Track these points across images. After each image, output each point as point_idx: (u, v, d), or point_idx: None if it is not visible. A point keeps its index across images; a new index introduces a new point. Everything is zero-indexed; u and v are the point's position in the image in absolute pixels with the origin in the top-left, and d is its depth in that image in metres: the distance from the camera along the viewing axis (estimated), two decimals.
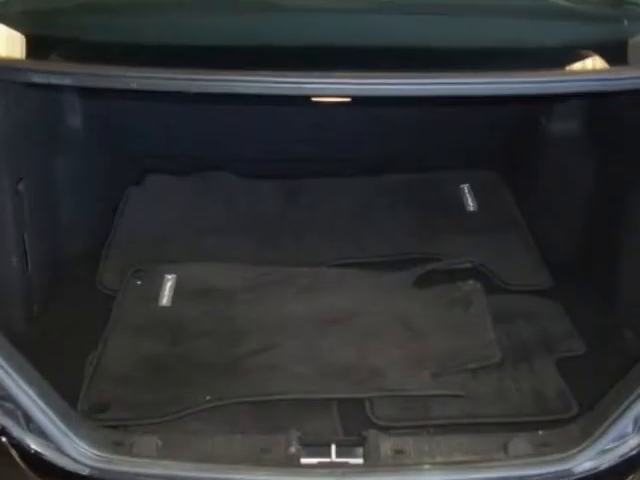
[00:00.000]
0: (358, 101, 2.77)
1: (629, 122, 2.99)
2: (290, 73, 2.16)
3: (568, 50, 2.54)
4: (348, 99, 3.06)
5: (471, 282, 3.20)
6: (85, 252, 3.34)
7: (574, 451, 2.12)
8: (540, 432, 2.24)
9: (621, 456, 2.14)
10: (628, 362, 2.29)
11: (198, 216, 3.66)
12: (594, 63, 2.42)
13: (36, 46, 2.50)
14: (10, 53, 2.50)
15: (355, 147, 3.94)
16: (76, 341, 2.86)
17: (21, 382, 2.08)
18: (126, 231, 3.56)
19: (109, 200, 3.68)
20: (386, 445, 2.19)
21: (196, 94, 2.25)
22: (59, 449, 2.11)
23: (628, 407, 2.10)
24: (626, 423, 2.12)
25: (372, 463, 2.16)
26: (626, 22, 2.89)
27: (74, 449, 2.10)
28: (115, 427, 2.44)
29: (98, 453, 2.12)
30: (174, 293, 3.16)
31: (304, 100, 2.78)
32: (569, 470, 2.12)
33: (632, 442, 2.14)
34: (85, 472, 2.11)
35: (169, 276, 3.23)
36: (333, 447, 2.21)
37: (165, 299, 3.13)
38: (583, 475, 2.13)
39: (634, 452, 2.14)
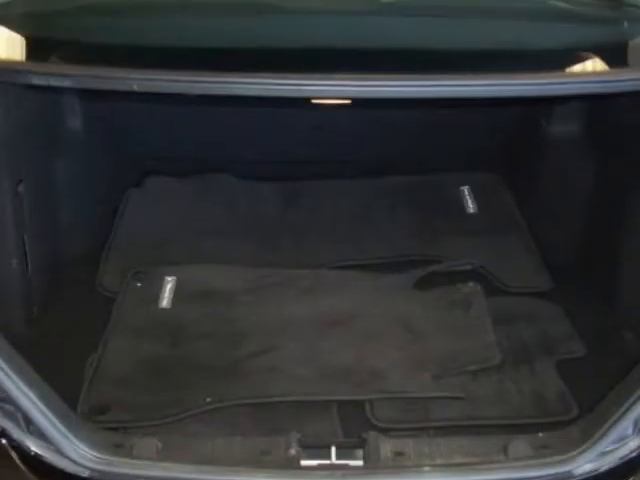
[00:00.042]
0: (358, 103, 2.77)
1: (629, 124, 2.99)
2: (291, 75, 2.16)
3: (568, 52, 2.54)
4: (348, 101, 3.06)
5: (471, 284, 3.20)
6: (85, 254, 3.34)
7: (574, 453, 2.13)
8: (540, 434, 2.24)
9: (621, 458, 2.14)
10: (628, 364, 2.29)
11: (198, 218, 3.66)
12: (594, 65, 2.42)
13: (36, 48, 2.51)
14: (10, 55, 2.50)
15: (355, 149, 3.94)
16: (76, 343, 2.86)
17: (21, 384, 2.08)
18: (126, 233, 3.56)
19: (109, 202, 3.68)
20: (386, 447, 2.19)
21: (197, 96, 2.25)
22: (59, 451, 2.11)
23: (628, 409, 2.10)
24: (626, 425, 2.11)
25: (372, 465, 2.16)
26: (626, 24, 2.89)
27: (74, 451, 2.10)
28: (115, 429, 2.44)
29: (98, 455, 2.12)
30: (174, 295, 3.16)
31: (305, 102, 2.78)
32: (569, 472, 2.12)
33: (632, 444, 2.14)
34: (85, 474, 2.11)
35: (169, 278, 3.23)
36: (333, 449, 2.21)
37: (165, 301, 3.13)
38: (583, 477, 2.13)
39: (634, 454, 2.14)
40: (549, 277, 3.30)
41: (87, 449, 2.12)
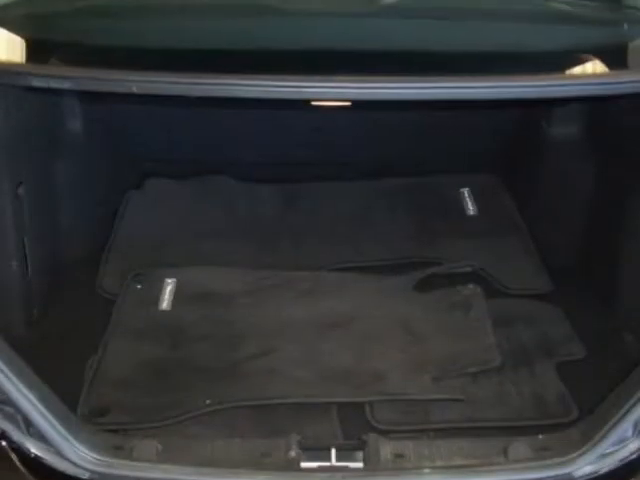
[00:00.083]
0: (358, 105, 2.77)
1: (629, 126, 2.99)
2: (290, 77, 2.16)
3: (568, 54, 2.53)
4: (348, 103, 3.06)
5: (471, 286, 3.20)
6: (85, 256, 3.33)
7: (574, 455, 2.13)
8: (540, 436, 2.24)
9: (621, 460, 2.14)
10: (628, 366, 2.29)
11: (198, 220, 3.66)
12: (594, 67, 2.42)
13: (36, 50, 2.50)
14: (10, 57, 2.50)
15: (355, 151, 3.94)
16: (76, 345, 2.85)
17: (21, 386, 2.08)
18: (126, 235, 3.56)
19: (109, 204, 3.68)
20: (386, 449, 2.19)
21: (196, 98, 2.25)
22: (59, 453, 2.11)
23: (628, 411, 2.10)
24: (626, 427, 2.12)
25: (372, 467, 2.16)
26: (626, 26, 2.89)
27: (74, 453, 2.10)
28: (115, 431, 2.44)
29: (98, 457, 2.12)
30: (174, 297, 3.16)
31: (304, 104, 2.78)
32: (569, 474, 2.12)
33: (632, 446, 2.14)
34: (85, 476, 2.12)
35: (169, 280, 3.23)
36: (333, 451, 2.21)
37: (165, 303, 3.13)
38: (583, 479, 2.13)
39: (634, 456, 2.14)
40: (549, 279, 3.30)
41: (87, 451, 2.12)
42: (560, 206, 3.44)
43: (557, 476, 2.11)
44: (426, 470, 2.15)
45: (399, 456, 2.18)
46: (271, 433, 2.41)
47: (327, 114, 3.61)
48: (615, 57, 2.52)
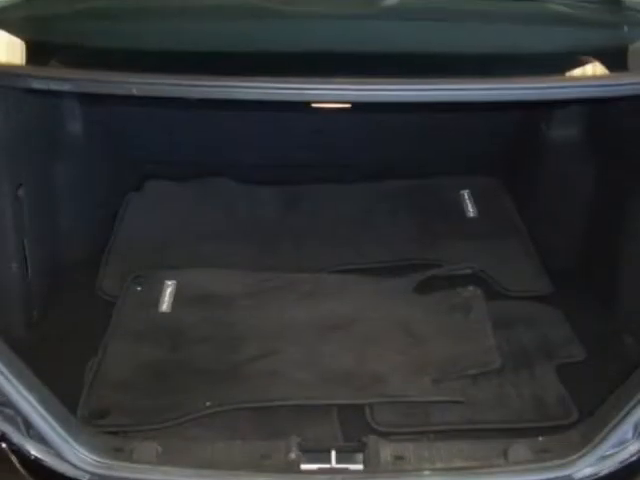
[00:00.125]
0: (358, 107, 2.77)
1: (629, 128, 2.99)
2: (290, 79, 2.15)
3: (568, 56, 2.54)
4: (348, 105, 3.06)
5: (471, 288, 3.20)
6: (85, 258, 3.33)
7: (574, 457, 2.13)
8: (540, 438, 2.24)
9: (621, 462, 2.14)
10: (628, 368, 2.29)
11: (198, 222, 3.66)
12: (594, 69, 2.42)
13: (36, 52, 2.50)
14: (10, 59, 2.50)
15: (355, 153, 3.94)
16: (76, 347, 2.85)
17: (21, 388, 2.08)
18: (126, 237, 3.56)
19: (109, 206, 3.68)
20: (386, 451, 2.19)
21: (197, 100, 2.25)
22: (59, 455, 2.11)
23: (628, 413, 2.10)
24: (626, 429, 2.12)
25: (372, 469, 2.16)
26: (626, 28, 2.89)
27: (74, 455, 2.10)
28: (115, 433, 2.44)
29: (98, 459, 2.12)
30: (174, 299, 3.16)
31: (304, 106, 2.78)
32: (569, 476, 2.12)
33: (632, 448, 2.14)
34: (85, 478, 2.12)
35: (169, 282, 3.23)
36: (333, 453, 2.22)
37: (165, 305, 3.13)
38: None
39: (634, 458, 2.14)
40: (549, 281, 3.30)
41: (87, 453, 2.12)
42: (560, 208, 3.44)
43: (557, 478, 2.11)
44: (426, 472, 2.15)
45: (399, 458, 2.18)
46: (271, 435, 2.41)
47: (328, 116, 3.61)
48: (615, 59, 2.52)
